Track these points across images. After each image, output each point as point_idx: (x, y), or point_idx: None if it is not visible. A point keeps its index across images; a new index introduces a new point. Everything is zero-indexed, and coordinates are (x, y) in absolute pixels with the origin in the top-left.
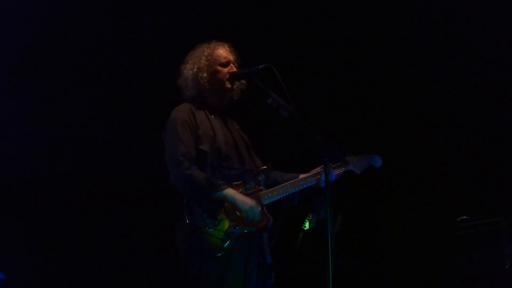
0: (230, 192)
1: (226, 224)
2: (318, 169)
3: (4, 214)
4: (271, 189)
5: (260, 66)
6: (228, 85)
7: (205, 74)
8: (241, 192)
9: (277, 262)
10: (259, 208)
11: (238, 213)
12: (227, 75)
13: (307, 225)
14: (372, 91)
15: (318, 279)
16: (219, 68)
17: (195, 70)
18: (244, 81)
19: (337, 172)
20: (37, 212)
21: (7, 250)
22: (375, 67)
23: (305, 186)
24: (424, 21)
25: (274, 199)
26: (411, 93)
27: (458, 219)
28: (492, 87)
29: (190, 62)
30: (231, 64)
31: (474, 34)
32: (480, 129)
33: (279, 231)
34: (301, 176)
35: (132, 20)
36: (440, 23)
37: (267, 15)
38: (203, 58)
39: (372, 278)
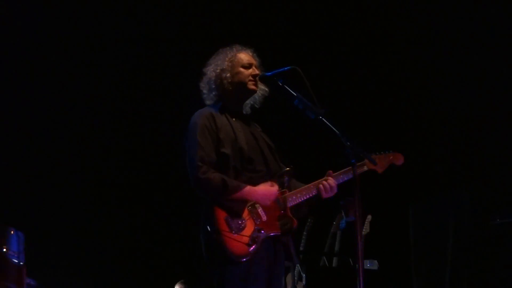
0: (248, 189)
1: (250, 228)
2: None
3: (33, 219)
4: (295, 190)
5: (285, 68)
6: (252, 86)
7: (228, 74)
8: None
9: (307, 264)
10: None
11: (263, 217)
12: (250, 77)
13: (338, 226)
14: (398, 89)
15: (348, 282)
16: (241, 69)
17: (218, 71)
18: (267, 89)
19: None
20: (68, 219)
21: (37, 256)
22: (399, 64)
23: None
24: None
25: (298, 201)
26: (440, 90)
27: None
28: None
29: (213, 64)
30: (254, 67)
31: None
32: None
33: (308, 233)
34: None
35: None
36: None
37: (287, 19)
38: (226, 60)
39: (403, 279)
